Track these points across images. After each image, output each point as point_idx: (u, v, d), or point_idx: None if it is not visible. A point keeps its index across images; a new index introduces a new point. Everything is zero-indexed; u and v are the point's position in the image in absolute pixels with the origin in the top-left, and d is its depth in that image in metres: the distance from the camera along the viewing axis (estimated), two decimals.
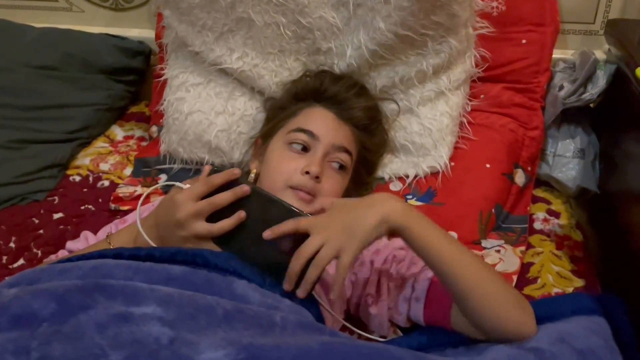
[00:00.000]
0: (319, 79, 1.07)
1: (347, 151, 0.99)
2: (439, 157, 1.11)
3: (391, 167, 1.14)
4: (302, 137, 0.97)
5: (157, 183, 1.22)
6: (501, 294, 0.74)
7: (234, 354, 0.55)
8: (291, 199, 0.91)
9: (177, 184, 0.82)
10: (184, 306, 0.61)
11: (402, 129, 1.13)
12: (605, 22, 1.27)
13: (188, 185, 0.80)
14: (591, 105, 1.21)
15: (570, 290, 0.95)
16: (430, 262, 0.74)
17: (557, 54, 1.24)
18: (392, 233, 0.74)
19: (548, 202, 1.17)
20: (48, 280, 0.64)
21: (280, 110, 1.08)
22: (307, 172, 0.93)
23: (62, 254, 0.96)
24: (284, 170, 0.95)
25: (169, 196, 0.81)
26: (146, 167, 1.26)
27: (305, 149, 0.97)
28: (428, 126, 1.11)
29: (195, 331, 0.58)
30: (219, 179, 0.78)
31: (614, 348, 0.75)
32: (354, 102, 1.03)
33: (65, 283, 0.62)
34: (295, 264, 0.71)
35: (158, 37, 1.33)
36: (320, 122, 0.99)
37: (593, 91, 1.14)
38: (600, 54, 1.24)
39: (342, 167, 0.98)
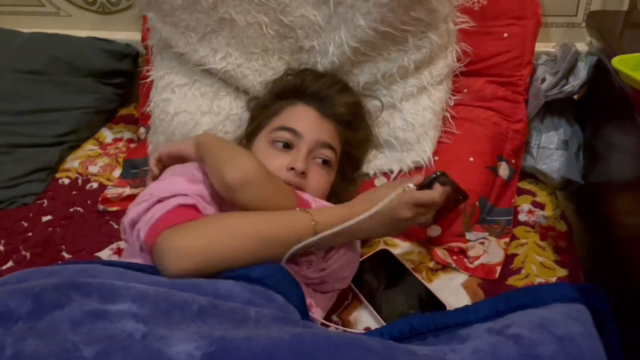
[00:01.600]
0: (300, 77, 1.08)
1: (330, 147, 1.00)
2: (423, 152, 1.12)
3: (376, 162, 1.15)
4: (286, 135, 0.98)
5: (146, 184, 1.23)
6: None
7: (206, 346, 0.56)
8: None
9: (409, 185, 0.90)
10: (158, 302, 0.62)
11: (386, 124, 1.14)
12: (587, 14, 1.28)
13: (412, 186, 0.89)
14: (575, 97, 1.22)
15: (554, 280, 0.95)
16: None
17: (540, 47, 1.25)
18: None
19: (533, 194, 1.17)
20: (35, 280, 0.65)
21: (263, 109, 1.09)
22: (293, 169, 0.94)
23: None
24: (270, 168, 0.95)
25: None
26: (134, 168, 1.27)
27: (289, 146, 0.98)
28: (411, 121, 1.12)
29: (168, 326, 0.59)
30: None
31: (594, 334, 0.75)
32: (336, 99, 1.04)
33: (43, 282, 0.63)
34: None
35: (144, 39, 1.34)
36: (303, 119, 1.00)
37: (574, 83, 1.14)
38: (582, 46, 1.25)
39: (326, 162, 0.99)
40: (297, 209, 0.84)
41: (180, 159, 0.96)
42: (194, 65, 1.15)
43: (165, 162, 0.98)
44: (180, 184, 0.84)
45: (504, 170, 1.15)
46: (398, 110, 1.13)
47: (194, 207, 0.81)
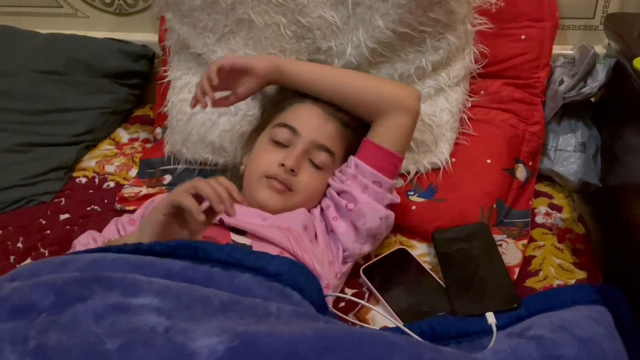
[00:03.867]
0: None
1: (328, 150, 1.00)
2: (440, 154, 1.12)
3: None
4: (284, 131, 1.00)
5: (162, 183, 1.24)
6: (374, 80, 1.05)
7: (228, 340, 0.56)
8: (264, 188, 0.97)
9: None
10: (180, 297, 0.62)
11: None
12: (604, 16, 1.27)
13: None
14: (592, 99, 1.21)
15: (572, 282, 0.95)
16: (313, 87, 1.01)
17: (557, 50, 1.24)
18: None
19: (550, 197, 1.17)
20: (47, 273, 0.65)
21: (272, 104, 1.10)
22: (283, 165, 0.96)
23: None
24: (262, 162, 0.99)
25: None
26: (151, 168, 1.28)
27: (286, 143, 0.99)
28: (428, 122, 1.12)
29: (191, 320, 0.59)
30: None
31: (616, 336, 0.75)
32: None
33: (65, 275, 0.63)
34: None
35: (161, 39, 1.35)
36: (305, 118, 1.01)
37: (593, 85, 1.14)
38: (600, 49, 1.24)
39: (318, 167, 1.00)
40: None
41: (243, 73, 0.99)
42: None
43: (225, 75, 0.98)
44: None
45: (521, 173, 1.14)
46: None
47: None
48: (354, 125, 1.04)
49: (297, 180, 0.97)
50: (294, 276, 0.74)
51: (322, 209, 1.02)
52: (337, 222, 0.98)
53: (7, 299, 0.60)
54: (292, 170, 0.96)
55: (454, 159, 1.13)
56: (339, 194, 0.99)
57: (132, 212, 1.18)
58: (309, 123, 1.00)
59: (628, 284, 0.92)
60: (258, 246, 0.88)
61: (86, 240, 0.97)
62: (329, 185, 1.02)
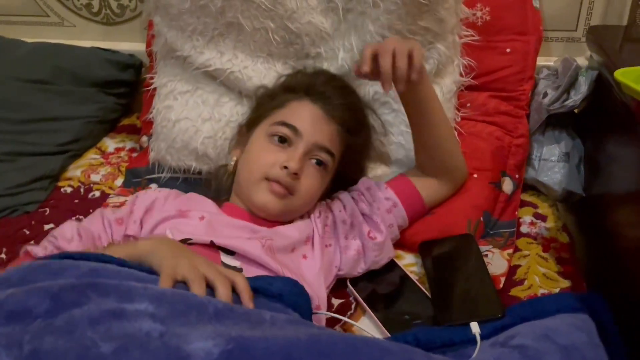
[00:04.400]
0: (313, 75, 1.07)
1: (328, 152, 0.99)
2: None
3: (381, 175, 1.15)
4: (285, 131, 0.97)
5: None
6: (454, 137, 1.08)
7: (223, 344, 0.56)
8: (264, 191, 0.94)
9: None
10: (175, 303, 0.62)
11: (398, 142, 1.14)
12: (586, 29, 1.30)
13: None
14: (575, 110, 1.23)
15: (557, 290, 0.96)
16: (428, 114, 0.99)
17: (540, 61, 1.26)
18: None
19: (535, 206, 1.18)
20: (43, 280, 0.64)
21: (268, 99, 1.07)
22: (286, 167, 0.93)
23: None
24: (263, 163, 0.95)
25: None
26: (137, 177, 1.28)
27: (285, 142, 0.97)
28: None
29: (186, 326, 0.59)
30: None
31: (598, 344, 0.76)
32: (342, 100, 1.03)
33: (61, 282, 0.63)
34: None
35: (149, 44, 1.35)
36: (306, 117, 0.99)
37: (576, 97, 1.16)
38: (582, 60, 1.26)
39: (322, 164, 0.98)
40: None
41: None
42: (199, 67, 1.16)
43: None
44: None
45: (507, 186, 1.15)
46: (408, 125, 1.13)
47: None
48: (353, 129, 1.04)
49: (299, 184, 0.95)
50: (295, 298, 0.75)
51: (320, 215, 1.01)
52: (347, 241, 0.98)
53: (2, 304, 0.60)
54: (295, 174, 0.94)
55: None
56: (362, 215, 0.99)
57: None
58: (310, 123, 0.98)
59: (611, 292, 0.93)
60: (248, 269, 0.87)
61: (70, 234, 0.92)
62: (329, 193, 1.01)
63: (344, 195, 1.04)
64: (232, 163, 1.04)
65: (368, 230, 0.98)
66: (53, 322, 0.57)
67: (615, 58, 1.08)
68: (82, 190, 1.28)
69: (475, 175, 1.13)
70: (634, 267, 0.90)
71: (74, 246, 0.90)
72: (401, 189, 1.03)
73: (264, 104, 1.07)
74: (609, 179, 1.08)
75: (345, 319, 0.88)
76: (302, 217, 1.01)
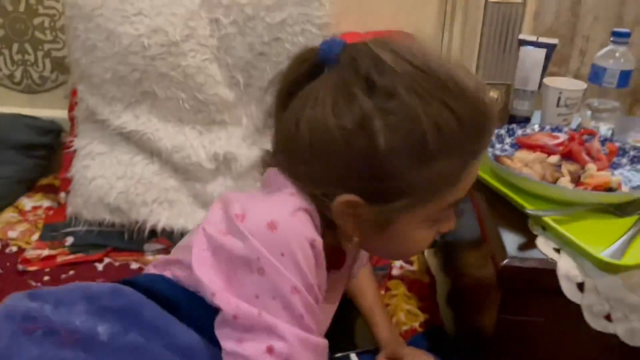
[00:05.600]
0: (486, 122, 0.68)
1: None
2: None
3: None
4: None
5: (64, 245, 1.30)
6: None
7: None
8: None
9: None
10: None
11: None
12: None
13: None
14: None
15: (417, 324, 1.09)
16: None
17: None
18: None
19: None
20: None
21: (446, 177, 0.67)
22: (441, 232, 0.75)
23: None
24: (424, 246, 0.75)
25: None
26: (54, 231, 1.35)
27: None
28: None
29: None
30: None
31: None
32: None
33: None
34: None
35: (72, 109, 1.45)
36: (471, 181, 0.71)
37: None
38: None
39: None
40: None
41: None
42: (116, 129, 1.29)
43: None
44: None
45: None
46: None
47: None
48: None
49: None
50: None
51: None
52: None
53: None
54: None
55: None
56: None
57: (35, 272, 1.23)
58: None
59: (461, 324, 1.10)
60: None
61: None
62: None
63: None
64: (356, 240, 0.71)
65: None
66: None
67: None
68: None
69: None
70: (473, 300, 1.04)
71: None
72: None
73: (440, 182, 0.67)
74: (456, 228, 1.23)
75: None
76: None
